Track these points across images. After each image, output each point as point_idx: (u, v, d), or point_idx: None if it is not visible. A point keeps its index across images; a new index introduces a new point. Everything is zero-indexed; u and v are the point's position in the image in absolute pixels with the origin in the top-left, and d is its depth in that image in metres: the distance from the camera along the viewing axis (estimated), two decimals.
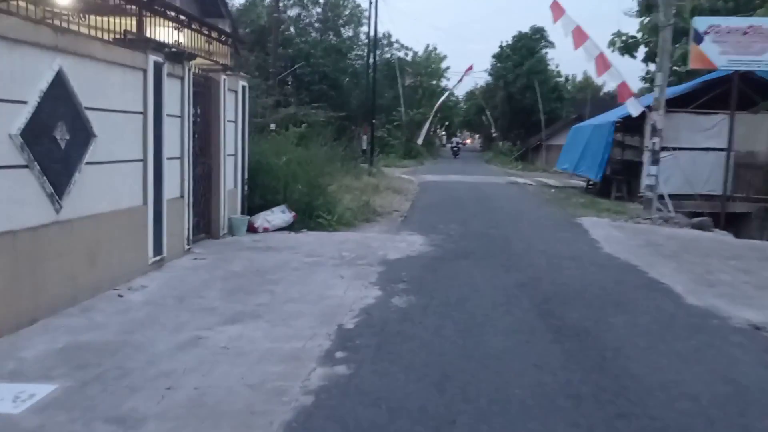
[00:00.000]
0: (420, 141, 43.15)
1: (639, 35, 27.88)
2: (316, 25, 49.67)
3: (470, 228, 11.35)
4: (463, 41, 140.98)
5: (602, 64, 13.72)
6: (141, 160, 6.89)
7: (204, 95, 9.06)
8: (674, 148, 15.86)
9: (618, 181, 18.29)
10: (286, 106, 28.81)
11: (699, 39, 12.92)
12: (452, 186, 21.83)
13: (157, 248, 7.17)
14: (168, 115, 7.40)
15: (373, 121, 25.69)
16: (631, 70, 60.37)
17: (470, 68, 42.98)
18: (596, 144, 18.57)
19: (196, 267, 7.36)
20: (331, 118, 29.67)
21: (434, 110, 46.01)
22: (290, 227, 10.36)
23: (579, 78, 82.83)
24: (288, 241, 9.35)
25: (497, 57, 63.25)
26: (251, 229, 10.04)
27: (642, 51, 27.81)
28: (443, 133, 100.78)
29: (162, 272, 7.01)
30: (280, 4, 43.92)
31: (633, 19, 29.42)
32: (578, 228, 11.89)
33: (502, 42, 62.71)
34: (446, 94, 51.29)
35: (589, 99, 41.76)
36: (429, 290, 6.45)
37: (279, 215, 10.34)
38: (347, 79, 45.18)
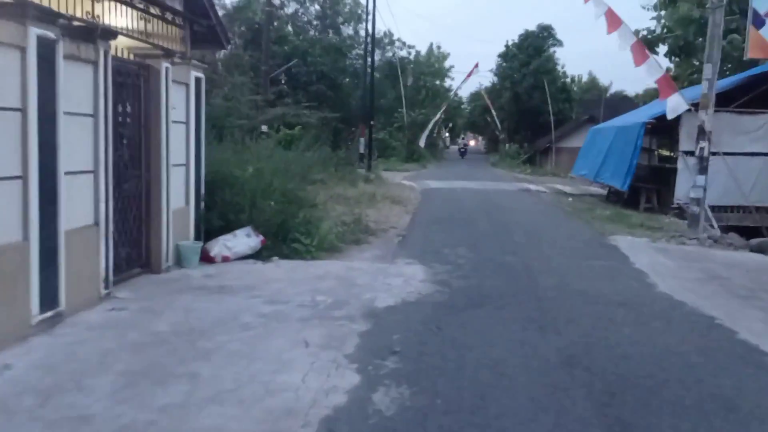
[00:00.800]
0: (423, 143, 41.08)
1: (659, 29, 25.91)
2: (315, 22, 47.67)
3: (483, 253, 9.25)
4: (467, 40, 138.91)
5: (639, 53, 11.62)
6: (18, 178, 4.83)
7: (137, 88, 7.00)
8: (713, 153, 13.76)
9: (647, 191, 16.18)
10: (279, 106, 26.82)
11: (760, 22, 10.83)
12: (458, 194, 19.73)
13: (48, 300, 5.11)
14: (68, 113, 5.34)
15: (371, 122, 23.66)
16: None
17: (476, 66, 40.86)
18: (622, 148, 16.46)
19: (105, 325, 5.29)
20: (324, 119, 27.68)
21: (441, 111, 43.93)
22: (257, 255, 8.29)
23: (585, 79, 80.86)
24: (249, 277, 7.28)
25: (503, 56, 61.20)
26: (206, 258, 7.98)
27: (661, 47, 25.95)
28: (447, 134, 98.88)
29: (51, 336, 4.94)
30: (276, 1, 42.04)
31: (650, 12, 27.47)
32: (615, 252, 9.79)
33: (508, 41, 60.80)
34: (452, 93, 49.19)
35: (603, 99, 39.53)
36: (431, 375, 4.35)
37: (243, 240, 8.27)
38: (347, 79, 43.19)
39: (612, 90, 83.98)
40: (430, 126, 41.61)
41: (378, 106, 48.94)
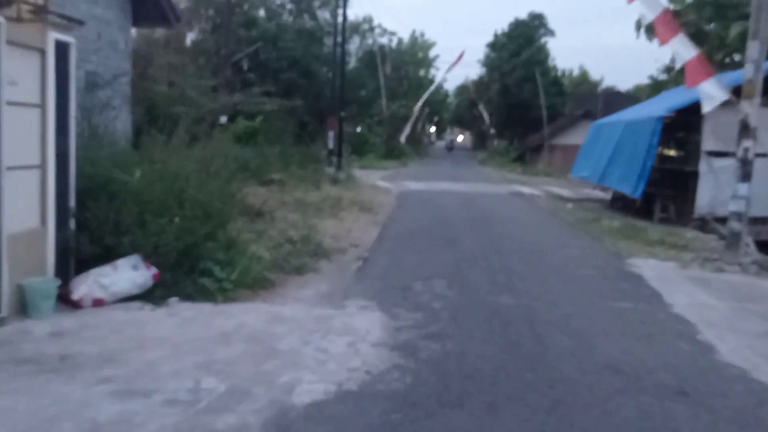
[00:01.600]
0: (403, 138, 38.91)
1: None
2: (289, 6, 45.27)
3: (467, 289, 7.04)
4: (454, 29, 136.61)
5: (667, 26, 9.46)
6: None
7: None
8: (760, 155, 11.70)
9: (663, 198, 14.11)
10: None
11: None
12: (440, 199, 17.53)
13: None
14: None
15: (342, 113, 21.38)
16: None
17: (461, 55, 38.73)
18: (632, 147, 14.36)
19: None
20: (292, 109, 25.35)
21: (421, 102, 41.68)
22: (148, 294, 6.01)
23: (575, 73, 79.37)
24: (118, 337, 5.00)
25: (491, 46, 59.18)
26: (68, 301, 5.70)
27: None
28: (433, 129, 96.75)
29: None
30: None
31: None
32: (641, 285, 7.63)
33: (496, 30, 58.80)
34: (435, 84, 47.01)
35: (601, 94, 37.57)
36: None
37: (126, 274, 5.98)
38: (324, 68, 40.86)
39: (603, 85, 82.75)
40: (412, 119, 39.42)
41: (356, 98, 46.69)
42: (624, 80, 72.66)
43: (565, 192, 20.90)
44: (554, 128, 40.26)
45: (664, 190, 14.11)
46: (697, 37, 23.10)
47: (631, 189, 13.87)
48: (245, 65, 34.95)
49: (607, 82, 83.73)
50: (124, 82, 17.09)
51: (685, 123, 14.10)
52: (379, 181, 22.34)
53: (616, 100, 44.75)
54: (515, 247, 9.83)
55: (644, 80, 66.99)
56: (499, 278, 7.59)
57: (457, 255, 9.01)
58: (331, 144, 20.25)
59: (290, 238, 9.18)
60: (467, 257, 8.86)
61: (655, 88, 29.68)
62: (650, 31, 23.96)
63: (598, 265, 8.83)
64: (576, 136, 38.32)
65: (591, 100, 55.03)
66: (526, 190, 21.17)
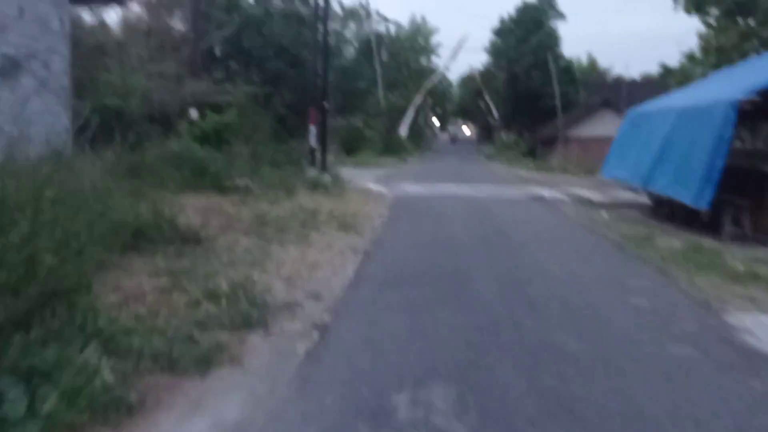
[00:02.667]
0: (404, 131, 35.82)
1: None
2: None
3: (493, 418, 3.97)
4: (458, 14, 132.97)
5: None
6: None
7: None
8: None
9: (735, 208, 11.00)
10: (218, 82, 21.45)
11: None
12: (444, 207, 14.43)
13: None
14: None
15: (325, 104, 18.27)
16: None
17: (464, 40, 35.43)
18: (692, 142, 11.23)
19: None
20: (267, 99, 22.36)
21: (423, 92, 38.54)
22: None
23: (583, 61, 76.23)
24: None
25: (498, 32, 56.04)
26: None
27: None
28: (436, 122, 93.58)
29: None
30: None
31: None
32: None
33: (502, 15, 55.58)
34: (438, 71, 43.85)
35: (624, 83, 34.40)
36: None
37: None
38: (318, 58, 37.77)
39: (612, 73, 79.47)
40: (410, 111, 36.29)
41: (353, 89, 43.66)
42: (630, 69, 69.52)
43: (592, 194, 17.78)
44: (569, 119, 37.13)
45: (735, 197, 10.99)
46: (744, 7, 20.02)
47: (693, 197, 10.75)
48: (221, 52, 31.89)
49: (616, 70, 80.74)
50: (58, 69, 14.01)
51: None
52: (371, 183, 19.24)
53: (636, 90, 41.53)
54: (555, 296, 6.73)
55: (652, 68, 64.15)
56: (544, 379, 4.49)
57: (469, 318, 5.90)
58: (312, 141, 17.18)
59: (215, 290, 6.11)
60: (486, 323, 5.74)
61: (675, 75, 26.55)
62: (692, 4, 20.93)
63: (690, 332, 5.72)
64: (594, 128, 35.21)
65: (604, 89, 51.88)
66: (546, 192, 18.05)
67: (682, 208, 11.80)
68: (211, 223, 9.89)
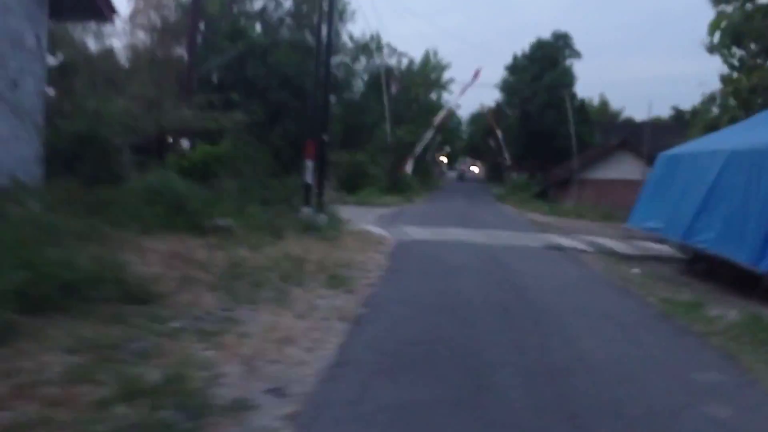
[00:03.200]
0: (410, 168, 34.35)
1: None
2: (287, 20, 41.22)
3: None
4: (471, 53, 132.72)
5: None
6: None
7: None
8: None
9: None
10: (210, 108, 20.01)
11: None
12: (452, 257, 12.72)
13: None
14: None
15: (324, 136, 16.76)
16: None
17: (478, 74, 34.31)
18: (748, 190, 9.57)
19: None
20: (257, 127, 20.92)
21: (435, 126, 37.20)
22: None
23: (595, 102, 75.28)
24: None
25: (510, 69, 55.01)
26: None
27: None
28: (444, 159, 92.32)
29: None
30: None
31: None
32: None
33: (516, 52, 54.64)
34: (449, 105, 42.61)
35: (647, 123, 32.93)
36: None
37: None
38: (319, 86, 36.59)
39: (624, 115, 78.39)
40: (418, 147, 34.88)
41: (360, 124, 42.40)
42: (641, 112, 68.43)
43: (615, 244, 16.06)
44: (584, 160, 35.58)
45: None
46: None
47: (750, 256, 9.06)
48: (223, 80, 30.68)
49: (627, 113, 79.67)
50: (30, 90, 12.63)
51: None
52: (372, 225, 17.61)
53: (654, 132, 40.04)
54: (606, 400, 4.99)
55: (663, 112, 63.02)
56: None
57: None
58: (308, 177, 15.61)
59: (138, 381, 4.45)
60: None
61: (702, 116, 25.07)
62: (730, 37, 19.59)
63: None
64: (611, 170, 33.67)
65: (616, 130, 50.57)
66: (564, 241, 16.33)
67: (729, 266, 10.10)
68: (172, 274, 8.26)
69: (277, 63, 32.49)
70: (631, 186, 31.86)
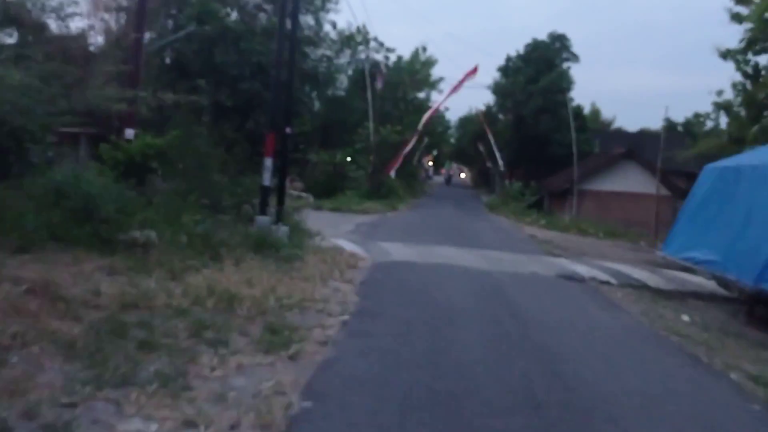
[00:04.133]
0: (393, 172, 31.46)
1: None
2: (266, 7, 37.81)
3: None
4: (464, 51, 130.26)
5: None
6: None
7: None
8: None
9: None
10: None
11: None
12: (442, 290, 9.72)
13: None
14: None
15: (288, 130, 13.71)
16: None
17: (474, 71, 31.47)
18: None
19: None
20: (218, 116, 17.89)
21: (420, 125, 34.30)
22: None
23: (586, 110, 73.00)
24: None
25: (503, 70, 52.24)
26: None
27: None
28: (430, 163, 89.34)
29: None
30: None
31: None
32: None
33: (509, 53, 51.90)
34: (437, 104, 39.72)
35: (663, 129, 30.27)
36: None
37: None
38: (306, 86, 33.48)
39: (615, 125, 76.13)
40: (404, 149, 31.97)
41: (343, 123, 39.36)
42: (631, 122, 66.38)
43: (642, 274, 13.18)
44: (583, 170, 32.79)
45: None
46: None
47: None
48: (182, 65, 27.54)
49: (619, 122, 77.41)
50: None
51: None
52: (347, 239, 14.60)
53: (654, 142, 37.40)
54: None
55: (651, 124, 60.98)
56: None
57: None
58: (267, 178, 12.59)
59: None
60: None
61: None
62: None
63: None
64: (615, 181, 30.89)
65: (610, 139, 48.02)
66: (580, 268, 13.38)
67: None
68: (10, 325, 5.26)
69: (251, 51, 29.36)
70: (639, 200, 29.28)
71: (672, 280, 12.67)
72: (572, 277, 12.15)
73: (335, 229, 16.21)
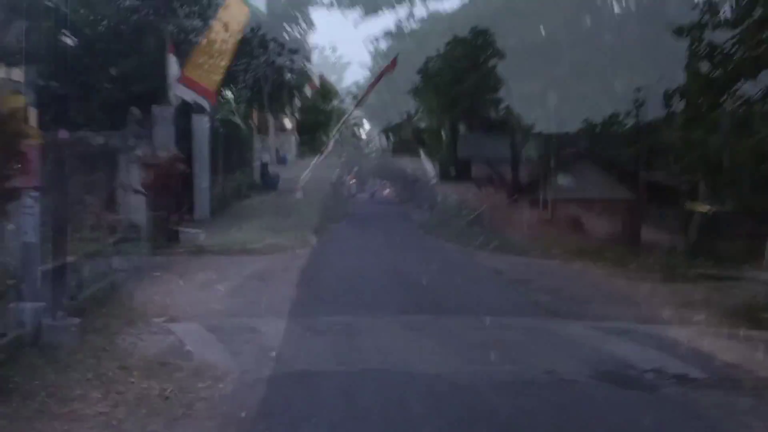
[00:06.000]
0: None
1: None
2: None
3: None
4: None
5: None
6: None
7: None
8: None
9: None
10: None
11: None
12: None
13: None
14: None
15: (61, 132, 7.05)
16: None
17: (393, 65, 26.24)
18: None
19: None
20: None
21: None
22: None
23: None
24: None
25: (422, 73, 47.44)
26: None
27: None
28: (352, 181, 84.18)
29: None
30: None
31: None
32: None
33: (428, 54, 47.31)
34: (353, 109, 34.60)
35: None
36: None
37: None
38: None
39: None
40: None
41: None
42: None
43: (716, 344, 7.72)
44: (532, 176, 27.86)
45: None
46: None
47: None
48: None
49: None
50: None
51: None
52: (204, 323, 8.41)
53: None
54: None
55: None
56: None
57: None
58: (28, 230, 6.38)
59: None
60: None
61: None
62: None
63: None
64: (572, 186, 26.06)
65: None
66: (619, 346, 7.69)
67: None
68: None
69: (110, 54, 22.55)
70: (605, 205, 24.22)
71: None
72: (623, 377, 6.44)
73: (203, 293, 10.13)
